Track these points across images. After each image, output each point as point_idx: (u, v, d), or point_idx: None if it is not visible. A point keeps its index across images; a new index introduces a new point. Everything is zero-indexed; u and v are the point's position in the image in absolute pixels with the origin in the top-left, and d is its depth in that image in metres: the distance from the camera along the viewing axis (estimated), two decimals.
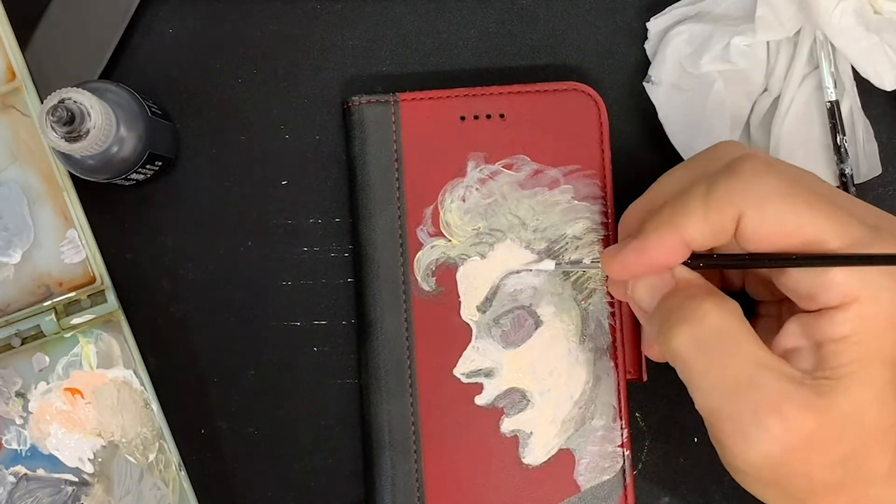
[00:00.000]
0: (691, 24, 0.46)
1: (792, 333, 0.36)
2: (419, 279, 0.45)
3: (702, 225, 0.36)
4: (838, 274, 0.35)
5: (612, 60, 0.48)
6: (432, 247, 0.45)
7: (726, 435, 0.35)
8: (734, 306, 0.37)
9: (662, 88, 0.46)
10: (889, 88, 0.44)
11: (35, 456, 0.46)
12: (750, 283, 0.42)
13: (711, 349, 0.36)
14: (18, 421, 0.46)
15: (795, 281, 0.36)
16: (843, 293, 0.35)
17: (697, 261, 0.38)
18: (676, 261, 0.38)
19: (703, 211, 0.36)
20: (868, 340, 0.34)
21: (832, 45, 0.45)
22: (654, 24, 0.47)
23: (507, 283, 0.45)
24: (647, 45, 0.48)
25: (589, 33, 0.48)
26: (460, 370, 0.45)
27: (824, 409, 0.34)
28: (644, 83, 0.47)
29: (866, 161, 0.46)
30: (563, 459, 0.45)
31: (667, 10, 0.47)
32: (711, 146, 0.40)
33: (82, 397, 0.45)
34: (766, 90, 0.46)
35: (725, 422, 0.35)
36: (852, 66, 0.45)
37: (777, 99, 0.46)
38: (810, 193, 0.35)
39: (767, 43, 0.46)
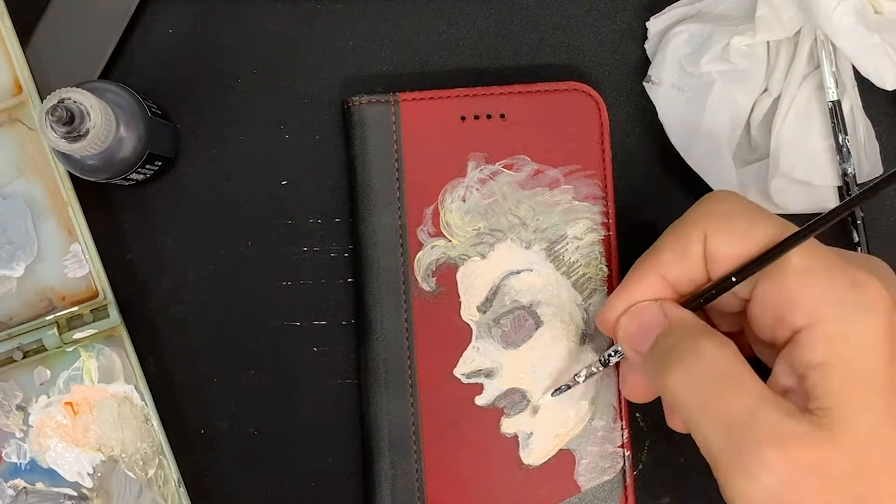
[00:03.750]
0: (691, 23, 0.46)
1: (781, 374, 0.36)
2: (419, 279, 0.45)
3: (673, 255, 0.37)
4: (801, 289, 0.35)
5: (612, 60, 0.48)
6: (432, 247, 0.45)
7: (729, 473, 0.34)
8: (731, 343, 0.36)
9: (662, 88, 0.46)
10: (890, 88, 0.44)
11: (34, 469, 0.46)
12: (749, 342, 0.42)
13: (710, 387, 0.35)
14: (18, 434, 0.46)
15: (764, 305, 0.36)
16: (808, 310, 0.34)
17: (685, 299, 0.39)
18: (659, 296, 0.38)
19: (673, 242, 0.37)
20: (846, 364, 0.34)
21: (833, 45, 0.45)
22: (654, 24, 0.47)
23: (508, 284, 0.45)
24: (647, 45, 0.48)
25: (589, 33, 0.48)
26: (460, 370, 0.45)
27: (826, 441, 0.33)
28: (644, 83, 0.47)
29: (868, 161, 0.46)
30: (564, 460, 0.45)
31: (667, 9, 0.47)
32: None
33: (81, 413, 0.45)
34: (766, 90, 0.46)
35: (727, 459, 0.34)
36: (853, 66, 0.45)
37: (777, 99, 0.46)
38: (767, 212, 0.37)
39: (767, 43, 0.46)
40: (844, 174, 0.45)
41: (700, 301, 0.38)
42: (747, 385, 0.35)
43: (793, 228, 0.36)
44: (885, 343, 0.34)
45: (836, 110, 0.45)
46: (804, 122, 0.46)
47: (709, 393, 0.35)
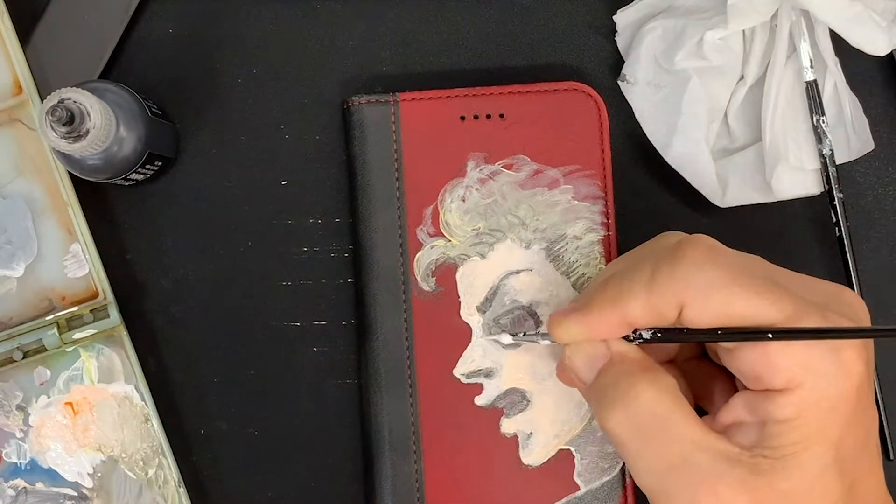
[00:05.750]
0: (664, 19, 0.45)
1: (737, 407, 0.37)
2: (419, 279, 0.45)
3: (644, 310, 0.37)
4: (782, 359, 0.35)
5: (611, 60, 0.48)
6: (432, 247, 0.45)
7: None
8: (669, 383, 0.37)
9: (638, 87, 0.46)
10: (883, 53, 0.43)
11: (34, 469, 0.46)
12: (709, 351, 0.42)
13: (645, 430, 0.36)
14: (18, 434, 0.46)
15: (741, 362, 0.36)
16: (788, 378, 0.35)
17: (636, 334, 0.38)
18: (617, 335, 0.38)
19: (646, 296, 0.36)
20: (811, 423, 0.35)
21: (810, 22, 0.44)
22: (623, 18, 0.46)
23: (507, 283, 0.45)
24: (618, 39, 0.47)
25: (589, 33, 0.48)
26: (460, 370, 0.45)
27: (760, 488, 0.34)
28: (619, 82, 0.47)
29: (857, 137, 0.45)
30: (563, 460, 0.45)
31: (634, 2, 0.46)
32: (657, 237, 0.41)
33: (81, 413, 0.45)
34: (742, 78, 0.45)
35: (662, 502, 0.36)
36: (832, 43, 0.44)
37: (752, 87, 0.45)
38: (750, 279, 0.36)
39: (742, 32, 0.45)
40: (821, 155, 0.44)
41: (658, 337, 0.38)
42: (682, 430, 0.36)
43: (773, 298, 0.35)
44: (851, 406, 0.35)
45: (812, 90, 0.44)
46: (792, 106, 0.45)
47: (643, 437, 0.36)
